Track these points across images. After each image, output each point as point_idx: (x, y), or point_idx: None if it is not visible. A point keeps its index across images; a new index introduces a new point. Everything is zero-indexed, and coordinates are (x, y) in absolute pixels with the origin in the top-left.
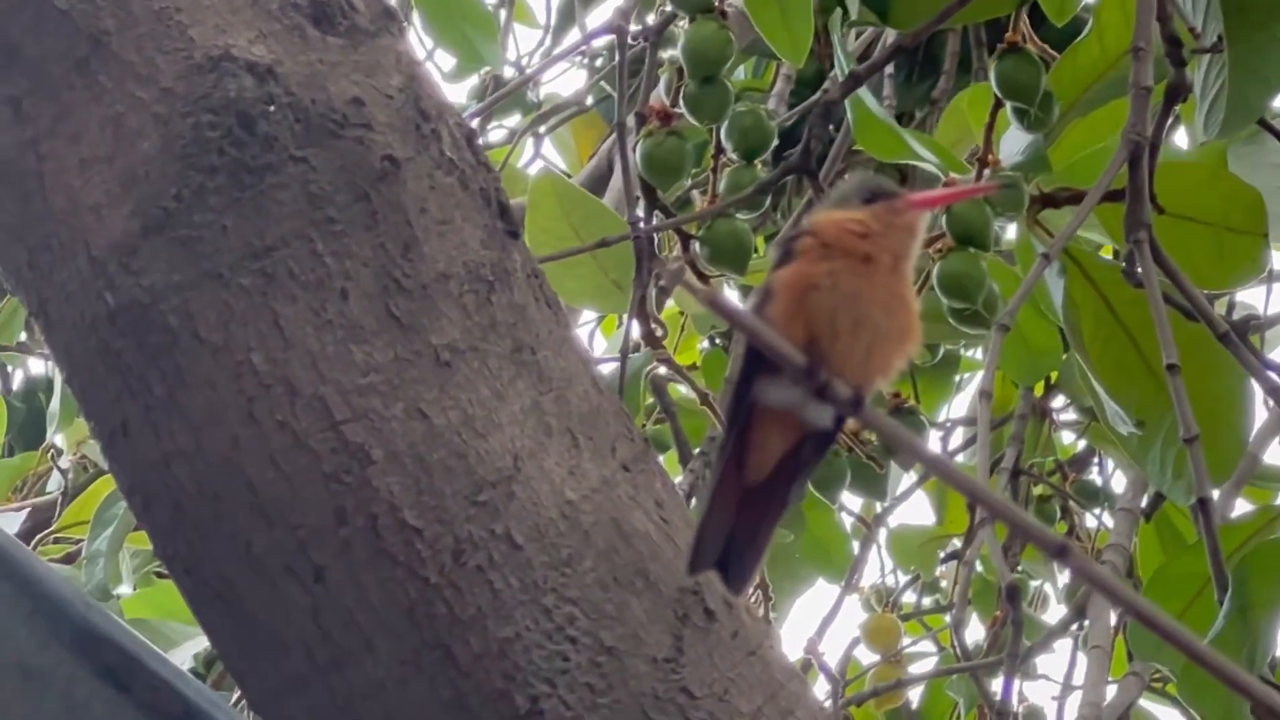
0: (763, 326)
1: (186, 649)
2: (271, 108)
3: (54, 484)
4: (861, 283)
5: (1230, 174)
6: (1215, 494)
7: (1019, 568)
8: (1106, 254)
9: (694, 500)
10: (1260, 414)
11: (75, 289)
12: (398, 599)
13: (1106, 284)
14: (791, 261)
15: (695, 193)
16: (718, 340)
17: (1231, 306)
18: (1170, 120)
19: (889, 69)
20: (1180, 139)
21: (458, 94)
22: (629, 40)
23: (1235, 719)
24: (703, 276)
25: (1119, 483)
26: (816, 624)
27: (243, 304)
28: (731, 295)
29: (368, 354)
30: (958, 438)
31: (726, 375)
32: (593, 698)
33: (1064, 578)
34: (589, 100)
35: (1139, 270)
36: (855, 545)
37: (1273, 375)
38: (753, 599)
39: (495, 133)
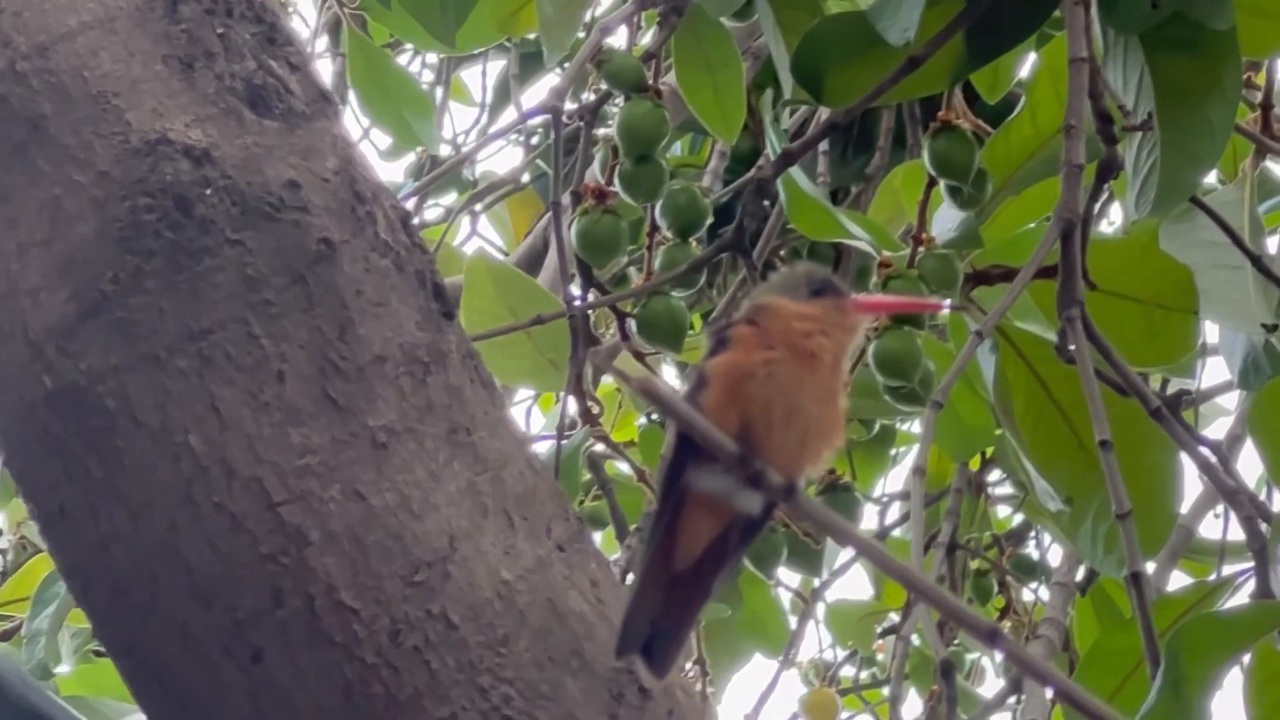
0: (696, 414)
1: None
2: (208, 191)
3: None
4: (799, 374)
5: (1161, 252)
6: (1150, 568)
7: (955, 642)
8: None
9: (630, 577)
10: (1194, 487)
11: (13, 372)
12: (335, 679)
13: (1039, 360)
14: (726, 349)
15: (632, 269)
16: (655, 417)
17: (1165, 383)
18: (1104, 196)
19: (823, 145)
20: (1115, 211)
21: (394, 172)
22: (564, 119)
23: None
24: (639, 354)
25: (1056, 556)
26: (755, 699)
27: (180, 386)
28: (669, 372)
29: (305, 436)
30: (894, 512)
31: (661, 452)
32: None
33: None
34: (525, 178)
35: (1071, 347)
36: (793, 620)
37: (1204, 450)
38: (690, 675)
39: (431, 211)
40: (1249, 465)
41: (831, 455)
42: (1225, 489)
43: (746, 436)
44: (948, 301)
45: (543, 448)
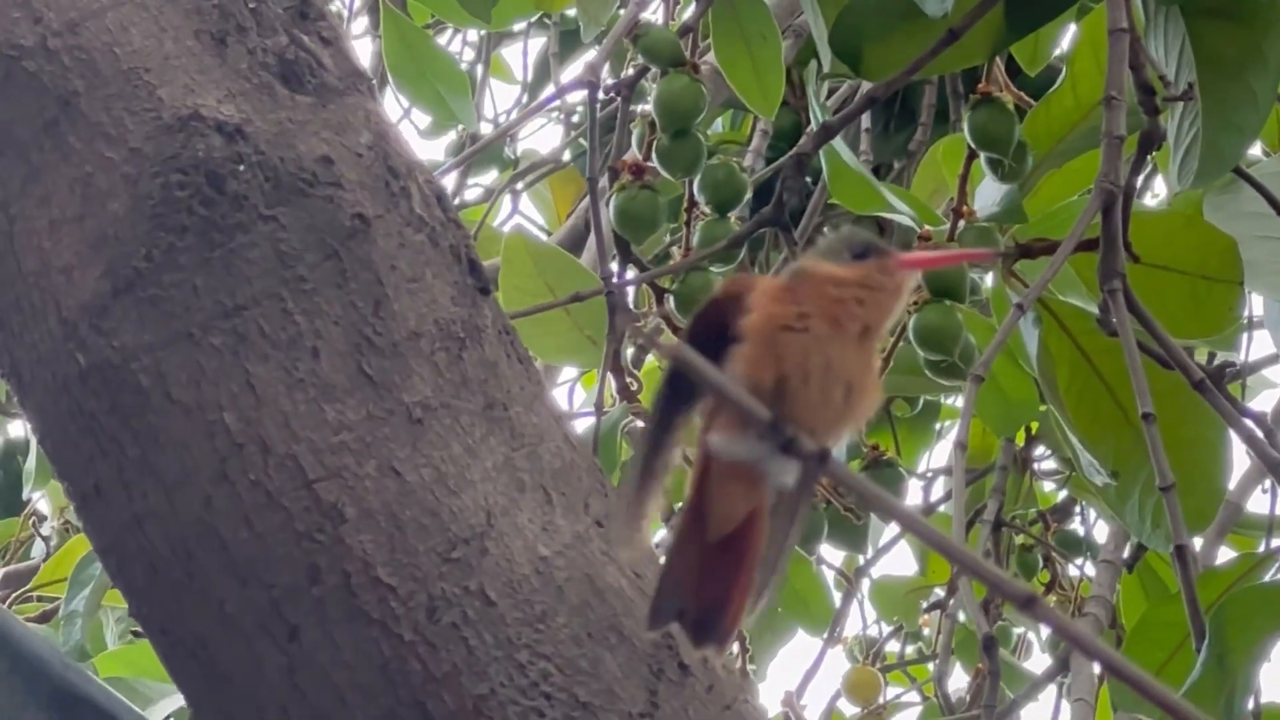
0: (728, 381)
1: (162, 707)
2: (241, 167)
3: (38, 550)
4: (832, 336)
5: (1205, 222)
6: (1198, 544)
7: (1002, 618)
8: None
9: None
10: (1242, 462)
11: (47, 350)
12: (372, 657)
13: (1082, 334)
14: (752, 312)
15: (675, 249)
16: None
17: (1212, 357)
18: (1147, 169)
19: (865, 121)
20: (1159, 185)
21: (434, 151)
22: (601, 94)
23: None
24: (678, 330)
25: (1102, 533)
26: (800, 676)
27: (214, 363)
28: None
29: (340, 412)
30: (939, 488)
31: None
32: None
33: (1047, 628)
34: (566, 156)
35: (1113, 319)
36: (837, 597)
37: (1249, 423)
38: (730, 652)
39: (472, 191)
40: None
41: (863, 420)
42: (1270, 461)
43: (782, 391)
44: (994, 250)
45: (584, 426)
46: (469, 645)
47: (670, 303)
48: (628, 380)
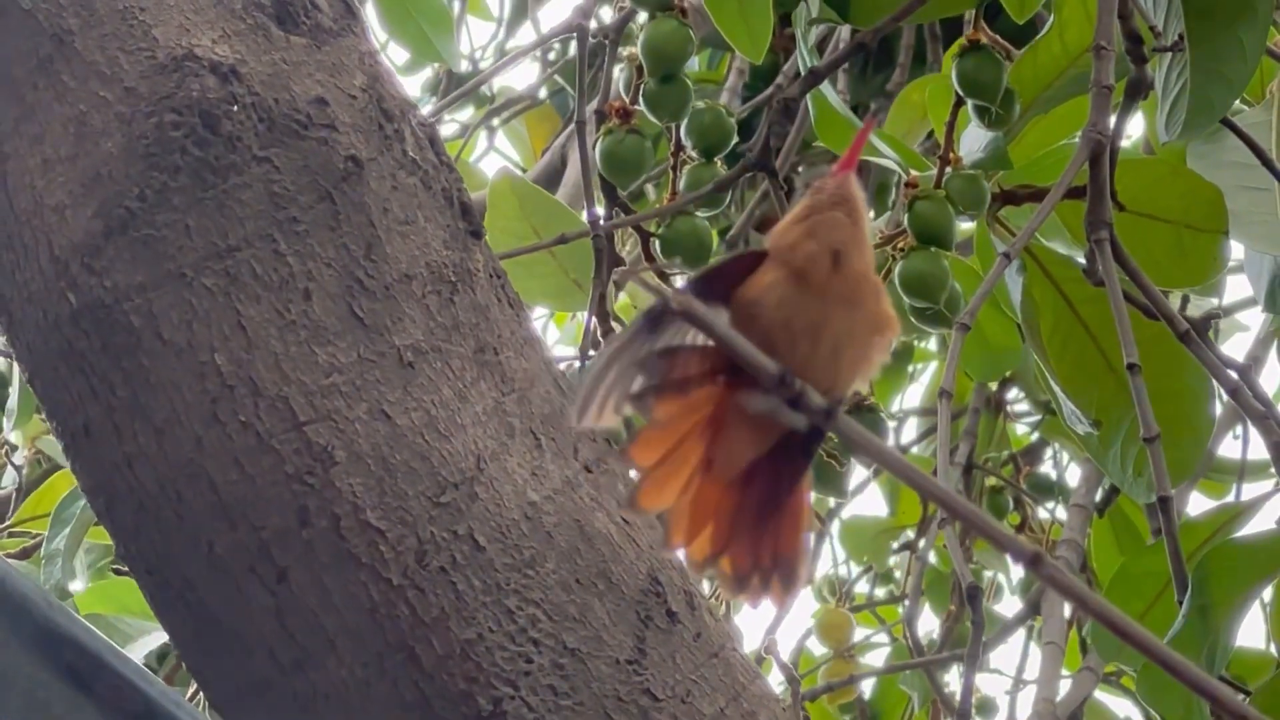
0: (736, 335)
1: (143, 644)
2: (235, 108)
3: (9, 479)
4: (807, 289)
5: (1190, 171)
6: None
7: (973, 559)
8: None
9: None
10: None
11: (38, 289)
12: (361, 600)
13: (1066, 282)
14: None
15: (649, 185)
16: None
17: (1185, 300)
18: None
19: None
20: (1135, 124)
21: (411, 87)
22: (588, 37)
23: (1194, 718)
24: (663, 274)
25: (1073, 475)
26: (768, 618)
27: (206, 304)
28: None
29: (331, 355)
30: (910, 428)
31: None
32: (555, 700)
33: (1018, 570)
34: (543, 93)
35: (1099, 269)
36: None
37: (1232, 374)
38: (715, 599)
39: (448, 126)
40: (1266, 383)
41: (883, 355)
42: (1253, 413)
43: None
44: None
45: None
46: (457, 590)
47: (655, 246)
48: (612, 325)
